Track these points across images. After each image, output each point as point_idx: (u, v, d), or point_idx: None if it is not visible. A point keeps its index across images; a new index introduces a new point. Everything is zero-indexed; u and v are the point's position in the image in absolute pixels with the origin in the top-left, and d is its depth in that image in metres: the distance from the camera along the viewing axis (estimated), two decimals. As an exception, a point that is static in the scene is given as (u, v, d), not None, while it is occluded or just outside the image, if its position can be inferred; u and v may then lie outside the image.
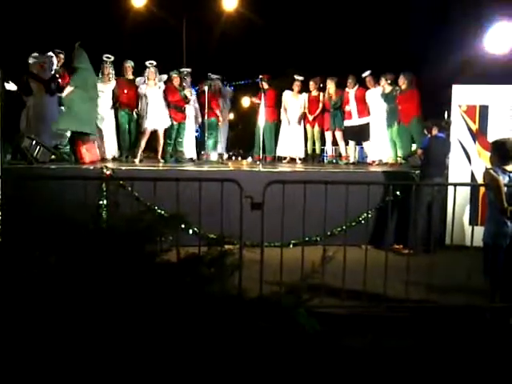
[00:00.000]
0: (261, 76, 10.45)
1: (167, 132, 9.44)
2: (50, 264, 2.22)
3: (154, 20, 13.62)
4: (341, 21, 14.10)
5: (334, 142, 10.48)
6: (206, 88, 9.74)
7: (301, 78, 10.24)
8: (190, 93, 9.60)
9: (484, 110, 7.39)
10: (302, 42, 15.17)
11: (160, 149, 9.40)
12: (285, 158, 10.63)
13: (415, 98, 8.94)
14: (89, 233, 2.40)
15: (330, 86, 9.88)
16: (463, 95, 7.49)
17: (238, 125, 10.56)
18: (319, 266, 2.84)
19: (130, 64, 9.51)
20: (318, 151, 10.81)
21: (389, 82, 9.23)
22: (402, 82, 8.95)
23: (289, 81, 10.46)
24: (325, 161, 11.19)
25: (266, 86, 10.08)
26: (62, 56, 9.05)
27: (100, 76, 9.28)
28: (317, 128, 10.30)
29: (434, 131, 7.15)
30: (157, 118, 9.18)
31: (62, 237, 2.34)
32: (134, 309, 1.96)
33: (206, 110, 9.68)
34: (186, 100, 9.44)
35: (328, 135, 10.32)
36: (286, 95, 10.29)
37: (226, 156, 10.98)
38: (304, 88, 10.32)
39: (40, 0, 12.06)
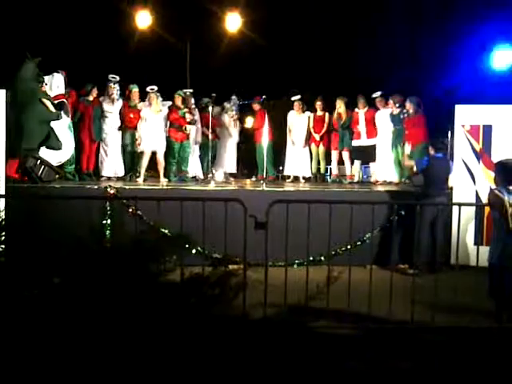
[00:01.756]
0: (264, 96, 10.56)
1: (169, 152, 9.49)
2: (53, 284, 2.21)
3: (159, 42, 13.76)
4: (347, 41, 14.23)
5: (340, 162, 10.49)
6: (210, 108, 9.84)
7: (296, 97, 10.30)
8: (191, 113, 9.62)
9: (487, 129, 7.40)
10: (307, 62, 15.28)
11: (161, 170, 9.42)
12: (288, 177, 10.64)
13: (422, 124, 8.95)
14: (92, 252, 2.39)
15: (340, 105, 9.89)
16: (466, 115, 7.51)
17: (241, 145, 10.70)
18: (324, 287, 2.82)
19: (136, 89, 9.59)
20: (322, 171, 10.81)
21: (397, 105, 9.27)
22: (409, 106, 8.97)
23: (291, 101, 10.52)
24: (328, 180, 11.19)
25: (258, 107, 10.30)
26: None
27: (105, 96, 9.38)
28: (322, 147, 10.32)
29: (432, 152, 7.25)
30: (153, 140, 9.21)
31: (66, 256, 2.33)
32: (139, 329, 1.94)
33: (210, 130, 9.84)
34: (186, 119, 9.47)
35: (334, 154, 10.33)
36: (290, 115, 10.35)
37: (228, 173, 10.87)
38: (309, 107, 10.37)
39: (45, 21, 12.23)
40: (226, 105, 10.46)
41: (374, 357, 3.88)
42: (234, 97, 10.53)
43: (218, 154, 10.55)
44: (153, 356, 1.89)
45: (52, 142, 8.17)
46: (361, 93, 9.95)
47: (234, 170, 10.81)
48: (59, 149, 8.43)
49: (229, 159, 10.56)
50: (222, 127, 10.50)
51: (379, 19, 13.18)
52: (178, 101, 9.53)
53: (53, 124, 8.20)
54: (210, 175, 10.00)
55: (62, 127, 8.54)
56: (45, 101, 8.11)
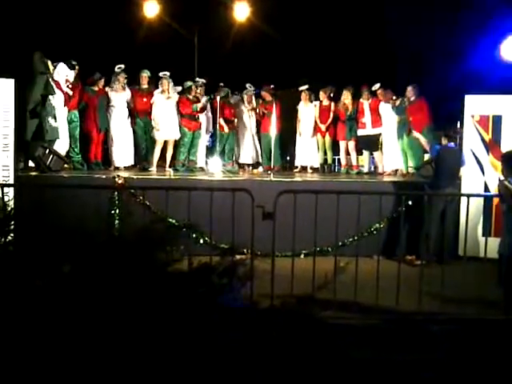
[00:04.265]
0: (272, 86, 10.50)
1: (181, 141, 9.48)
2: (62, 273, 2.22)
3: (167, 31, 13.75)
4: (352, 31, 14.15)
5: (347, 152, 10.45)
6: (218, 98, 9.83)
7: (303, 87, 10.24)
8: (203, 104, 9.63)
9: (497, 119, 7.34)
10: (315, 52, 15.21)
11: (169, 158, 9.42)
12: (296, 168, 10.61)
13: (425, 108, 8.95)
14: (100, 242, 2.40)
15: (346, 96, 9.84)
16: (476, 105, 7.45)
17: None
18: (331, 277, 2.82)
19: (146, 74, 9.60)
20: (329, 161, 10.77)
21: (394, 97, 9.27)
22: (411, 94, 8.97)
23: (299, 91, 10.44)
24: (336, 170, 11.15)
25: (269, 97, 10.21)
26: (77, 68, 9.12)
27: (114, 86, 9.37)
28: (328, 138, 10.27)
29: (444, 141, 7.17)
30: (167, 128, 9.24)
31: (75, 246, 2.35)
32: (147, 318, 1.96)
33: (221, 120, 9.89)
34: (198, 111, 9.51)
35: (342, 145, 10.27)
36: (300, 106, 10.30)
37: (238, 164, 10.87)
38: (316, 97, 10.33)
39: (53, 10, 12.24)
40: (244, 95, 10.46)
41: (380, 347, 3.88)
42: (248, 86, 10.50)
43: (236, 144, 10.57)
44: (162, 346, 1.91)
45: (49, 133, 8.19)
46: (366, 83, 9.90)
47: (251, 160, 10.77)
48: (55, 138, 8.40)
49: (247, 149, 10.54)
50: (238, 117, 10.48)
51: (387, 8, 13.09)
52: (194, 92, 9.52)
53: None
54: (215, 166, 10.00)
55: (61, 118, 8.52)
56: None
